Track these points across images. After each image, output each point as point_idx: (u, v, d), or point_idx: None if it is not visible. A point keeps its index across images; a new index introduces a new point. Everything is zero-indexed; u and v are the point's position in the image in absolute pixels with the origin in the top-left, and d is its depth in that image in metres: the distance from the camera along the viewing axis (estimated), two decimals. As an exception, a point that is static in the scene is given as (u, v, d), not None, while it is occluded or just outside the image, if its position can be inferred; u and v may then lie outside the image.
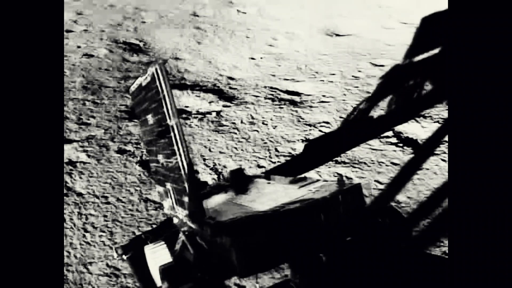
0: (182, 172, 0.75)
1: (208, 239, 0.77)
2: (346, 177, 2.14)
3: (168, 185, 0.89)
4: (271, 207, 0.78)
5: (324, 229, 0.78)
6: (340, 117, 2.72)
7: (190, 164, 0.76)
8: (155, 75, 0.77)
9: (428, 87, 3.07)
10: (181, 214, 0.88)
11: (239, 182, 1.05)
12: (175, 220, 0.95)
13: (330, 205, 0.77)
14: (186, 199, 0.80)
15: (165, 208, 1.02)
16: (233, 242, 0.68)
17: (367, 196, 1.10)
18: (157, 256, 0.93)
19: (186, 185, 0.76)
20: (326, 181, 0.91)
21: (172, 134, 0.75)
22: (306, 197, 0.80)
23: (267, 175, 1.11)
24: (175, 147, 0.75)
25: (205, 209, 0.84)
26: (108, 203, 2.00)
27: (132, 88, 0.91)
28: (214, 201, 0.93)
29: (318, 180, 0.92)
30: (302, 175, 1.00)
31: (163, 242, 0.94)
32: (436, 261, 0.87)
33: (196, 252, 0.83)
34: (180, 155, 0.76)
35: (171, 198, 0.92)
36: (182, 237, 0.89)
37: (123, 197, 2.04)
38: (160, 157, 0.86)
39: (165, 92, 0.73)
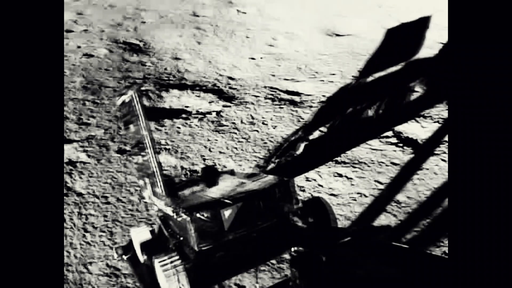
0: (153, 169, 1.04)
1: (176, 221, 1.02)
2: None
3: (146, 179, 1.16)
4: (224, 195, 1.05)
5: (260, 212, 1.03)
6: (340, 117, 2.72)
7: (159, 163, 1.04)
8: (133, 97, 1.04)
9: (428, 87, 3.07)
10: (156, 202, 1.13)
11: (208, 176, 1.30)
12: (154, 208, 1.21)
13: (265, 194, 1.04)
14: (158, 190, 1.07)
15: (146, 198, 1.28)
16: (189, 221, 0.96)
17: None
18: (140, 236, 1.16)
19: (156, 179, 1.04)
20: (279, 176, 1.15)
21: (145, 141, 1.04)
22: (252, 188, 1.09)
23: (232, 170, 1.40)
24: (148, 151, 1.04)
25: (173, 199, 1.09)
26: (108, 203, 2.00)
27: (118, 102, 1.17)
28: (186, 192, 1.21)
29: (266, 176, 1.15)
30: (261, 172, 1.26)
31: (145, 226, 1.19)
32: (436, 261, 0.87)
33: (168, 231, 1.09)
34: (151, 156, 1.04)
35: (149, 190, 1.18)
36: (158, 221, 1.15)
37: (123, 197, 2.04)
38: (139, 157, 1.13)
39: (139, 111, 1.03)
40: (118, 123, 2.69)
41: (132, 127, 1.09)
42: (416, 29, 4.25)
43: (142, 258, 1.10)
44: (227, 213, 0.99)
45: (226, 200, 1.00)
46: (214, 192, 1.10)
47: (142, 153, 1.09)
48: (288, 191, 1.07)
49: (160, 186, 1.05)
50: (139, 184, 1.25)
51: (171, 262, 0.97)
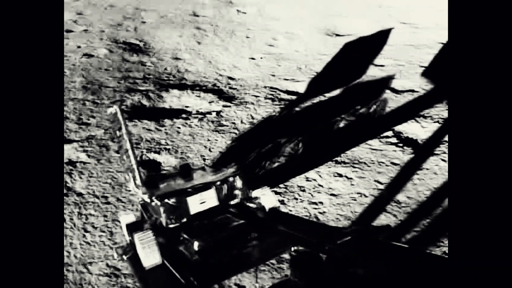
0: (133, 166, 1.37)
1: (151, 206, 1.33)
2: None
3: (130, 174, 1.45)
4: (190, 186, 1.37)
5: (217, 200, 1.35)
6: (340, 117, 2.72)
7: (138, 161, 1.37)
8: (117, 110, 1.37)
9: (428, 87, 3.07)
10: (138, 192, 1.42)
11: (184, 171, 1.59)
12: (138, 197, 1.47)
13: (220, 185, 1.37)
14: (138, 182, 1.40)
15: (130, 189, 1.56)
16: (160, 205, 1.29)
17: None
18: (127, 220, 1.45)
19: (135, 174, 1.39)
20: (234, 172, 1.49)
21: (127, 143, 1.37)
22: (211, 180, 1.40)
23: (203, 167, 1.70)
24: (129, 152, 1.37)
25: (152, 189, 1.40)
26: (108, 203, 2.00)
27: (108, 113, 1.46)
28: (164, 183, 1.52)
29: (227, 171, 1.46)
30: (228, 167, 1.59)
31: (132, 212, 1.52)
32: (436, 261, 0.87)
33: (147, 215, 1.39)
34: (131, 156, 1.36)
35: (132, 182, 1.46)
36: (140, 206, 1.45)
37: (123, 197, 2.04)
38: (125, 157, 1.43)
39: (122, 121, 1.35)
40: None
41: (118, 132, 1.40)
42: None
43: (127, 236, 1.43)
44: (190, 199, 1.31)
45: (190, 190, 1.32)
46: (184, 184, 1.42)
47: (126, 153, 1.43)
48: (239, 182, 1.42)
49: (139, 179, 1.38)
50: (125, 177, 1.58)
51: (146, 236, 1.26)
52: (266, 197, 1.42)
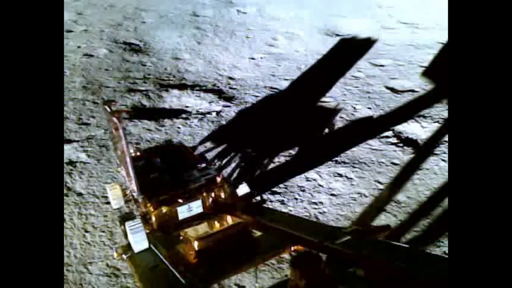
0: (130, 169, 1.46)
1: (144, 206, 1.51)
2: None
3: (122, 168, 1.59)
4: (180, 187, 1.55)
5: (203, 208, 1.54)
6: (340, 117, 2.71)
7: (131, 159, 1.46)
8: (118, 125, 1.45)
9: (428, 87, 3.07)
10: (130, 185, 1.57)
11: (168, 149, 1.81)
12: (130, 189, 1.63)
13: (207, 196, 1.55)
14: (135, 188, 1.50)
15: (122, 177, 1.75)
16: (153, 211, 1.46)
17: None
18: (113, 190, 1.67)
19: (129, 171, 1.48)
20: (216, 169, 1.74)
21: (122, 142, 1.44)
22: (199, 183, 1.56)
23: (183, 145, 1.94)
24: (125, 150, 1.45)
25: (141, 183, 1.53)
26: (108, 203, 2.00)
27: (107, 109, 1.59)
28: (152, 167, 1.70)
29: (210, 170, 1.64)
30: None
31: (117, 186, 1.73)
32: (436, 261, 0.87)
33: (137, 206, 1.54)
34: (127, 152, 1.44)
35: (124, 174, 1.62)
36: (131, 197, 1.63)
37: (123, 197, 2.04)
38: (119, 152, 1.56)
39: (122, 133, 1.42)
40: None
41: (114, 131, 1.50)
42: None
43: (113, 204, 1.73)
44: (180, 209, 1.49)
45: (180, 200, 1.49)
46: (175, 184, 1.56)
47: (121, 150, 1.53)
48: (224, 193, 1.58)
49: (136, 186, 1.49)
50: (120, 172, 1.69)
51: (136, 225, 1.44)
52: (240, 189, 1.67)
